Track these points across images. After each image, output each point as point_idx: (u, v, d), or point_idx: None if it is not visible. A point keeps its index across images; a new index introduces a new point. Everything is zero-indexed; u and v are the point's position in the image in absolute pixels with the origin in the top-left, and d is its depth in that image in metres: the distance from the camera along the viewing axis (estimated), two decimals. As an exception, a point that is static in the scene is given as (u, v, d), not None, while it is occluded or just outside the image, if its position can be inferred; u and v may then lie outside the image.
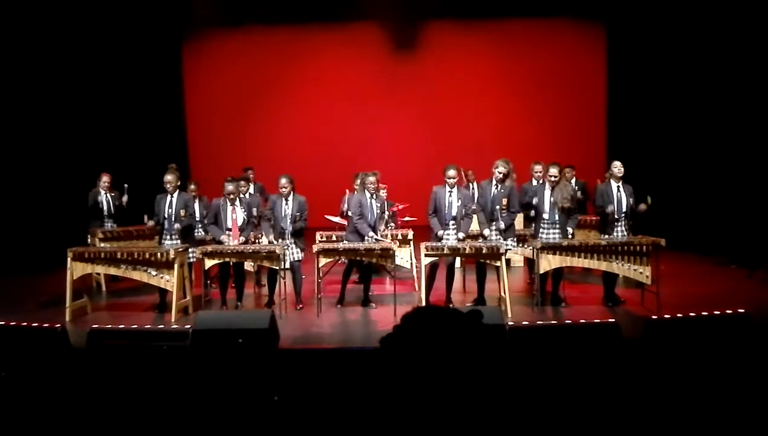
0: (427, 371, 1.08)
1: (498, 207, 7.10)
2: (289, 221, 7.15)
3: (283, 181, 7.21)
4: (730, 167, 9.88)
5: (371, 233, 7.09)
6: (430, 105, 13.61)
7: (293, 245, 7.16)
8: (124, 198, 8.72)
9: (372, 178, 7.26)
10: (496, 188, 7.12)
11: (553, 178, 7.02)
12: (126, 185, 8.73)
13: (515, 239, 7.30)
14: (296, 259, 7.21)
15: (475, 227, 7.46)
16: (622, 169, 7.07)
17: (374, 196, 7.25)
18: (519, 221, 7.85)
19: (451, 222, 7.00)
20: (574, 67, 13.32)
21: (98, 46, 11.45)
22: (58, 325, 5.49)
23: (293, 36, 13.53)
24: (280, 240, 7.11)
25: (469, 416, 1.07)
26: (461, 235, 6.96)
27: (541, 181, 7.64)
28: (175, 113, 13.53)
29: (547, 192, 7.05)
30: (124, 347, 5.32)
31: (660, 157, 11.10)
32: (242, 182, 7.93)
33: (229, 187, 7.24)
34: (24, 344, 5.32)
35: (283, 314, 6.87)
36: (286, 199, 7.18)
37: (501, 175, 7.08)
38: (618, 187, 7.05)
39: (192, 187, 8.33)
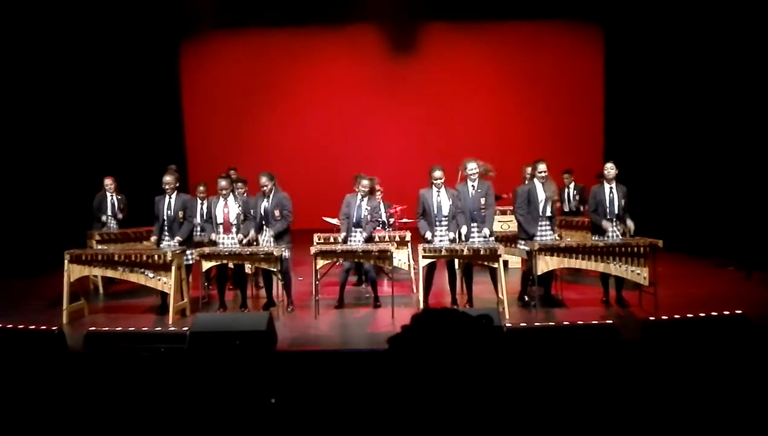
0: (433, 372, 1.08)
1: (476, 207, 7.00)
2: (269, 217, 7.12)
3: (263, 179, 7.20)
4: (728, 169, 9.88)
5: (344, 236, 7.19)
6: (428, 107, 13.62)
7: (272, 242, 7.10)
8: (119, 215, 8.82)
9: (366, 182, 7.30)
10: (473, 188, 7.03)
11: (541, 175, 7.02)
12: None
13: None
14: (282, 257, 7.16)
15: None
16: (612, 170, 7.06)
17: (366, 198, 7.27)
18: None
19: (443, 221, 6.94)
20: (572, 69, 13.35)
21: (96, 47, 11.44)
22: (56, 327, 5.46)
23: (291, 38, 13.54)
24: (260, 236, 7.13)
25: (468, 417, 1.06)
26: (452, 235, 6.90)
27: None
28: (172, 114, 13.55)
29: (539, 187, 7.06)
30: (121, 349, 5.31)
31: (658, 159, 11.13)
32: (239, 184, 7.93)
33: (222, 182, 7.26)
34: (21, 347, 5.30)
35: (281, 316, 6.87)
36: (267, 197, 7.18)
37: (475, 175, 7.02)
38: (611, 188, 7.06)
39: (201, 188, 8.32)
